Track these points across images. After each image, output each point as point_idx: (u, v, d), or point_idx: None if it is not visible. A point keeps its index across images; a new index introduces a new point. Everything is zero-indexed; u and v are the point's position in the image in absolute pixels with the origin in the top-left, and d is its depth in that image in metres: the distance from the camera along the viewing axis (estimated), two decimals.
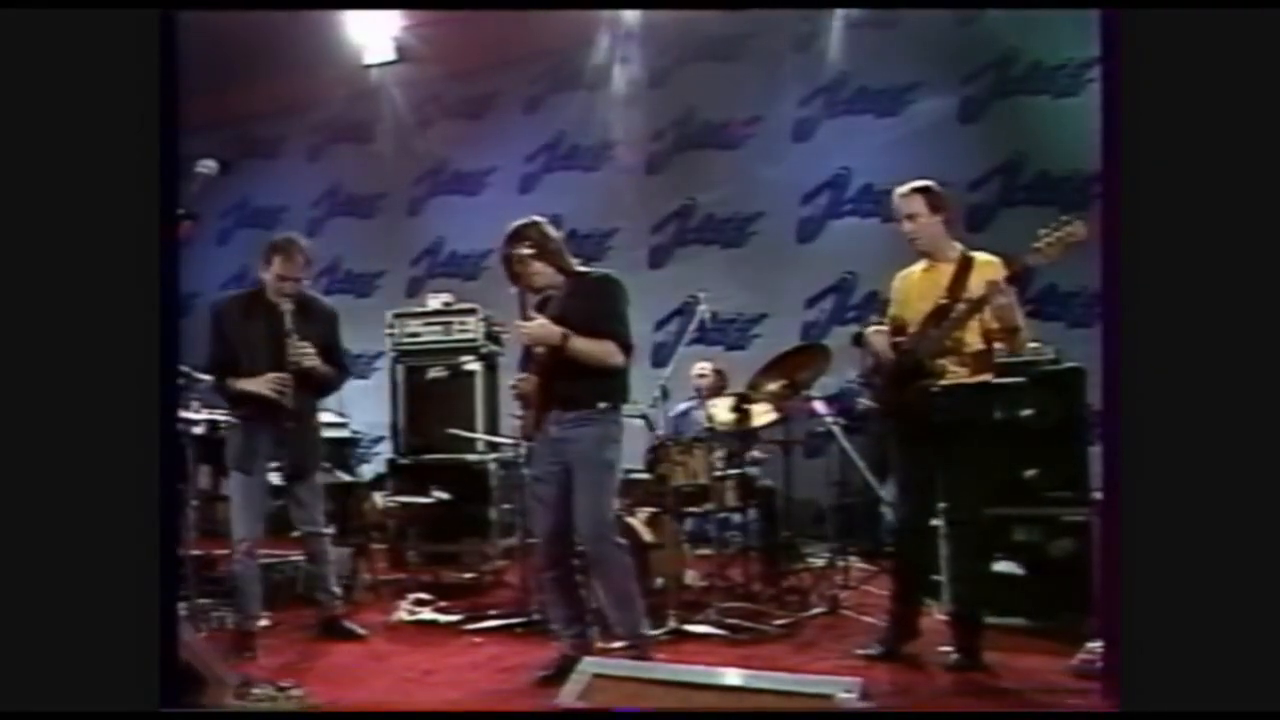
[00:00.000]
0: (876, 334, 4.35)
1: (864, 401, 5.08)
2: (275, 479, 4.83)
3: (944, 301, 4.09)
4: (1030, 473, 4.92)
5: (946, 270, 4.15)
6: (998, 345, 4.12)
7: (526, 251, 4.02)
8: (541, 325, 3.92)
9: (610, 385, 4.03)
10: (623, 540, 4.07)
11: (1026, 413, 4.95)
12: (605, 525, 3.97)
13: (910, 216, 4.21)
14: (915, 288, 4.30)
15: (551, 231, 4.15)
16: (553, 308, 4.01)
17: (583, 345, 3.90)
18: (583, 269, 4.17)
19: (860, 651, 4.36)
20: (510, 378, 7.34)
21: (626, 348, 4.02)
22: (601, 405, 3.98)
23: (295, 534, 4.93)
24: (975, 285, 4.01)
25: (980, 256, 4.13)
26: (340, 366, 4.92)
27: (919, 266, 4.33)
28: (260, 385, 4.56)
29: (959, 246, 4.23)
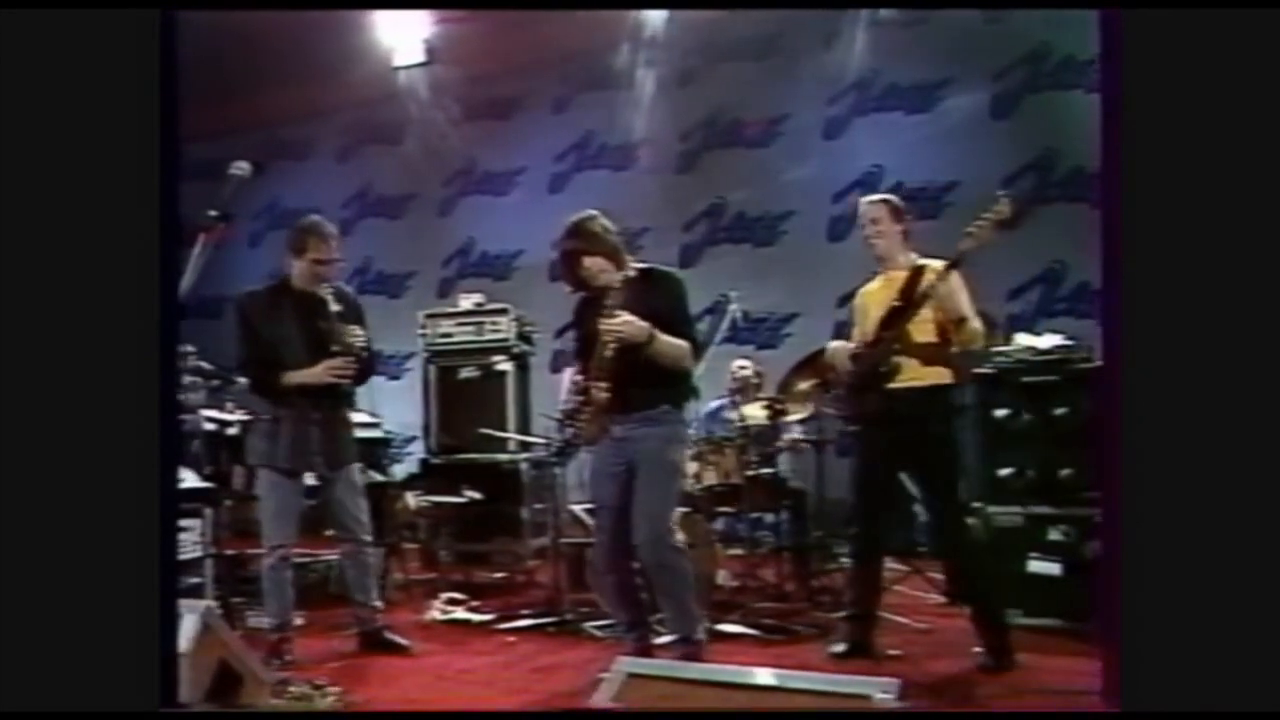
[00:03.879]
0: (837, 349, 4.52)
1: (830, 412, 5.17)
2: (310, 479, 4.74)
3: (897, 304, 4.21)
4: (1065, 472, 4.89)
5: (900, 278, 4.28)
6: (956, 342, 4.19)
7: (586, 247, 3.86)
8: (629, 321, 3.69)
9: (676, 388, 3.92)
10: (681, 545, 3.87)
11: (1060, 411, 4.92)
12: (665, 530, 3.79)
13: (874, 220, 4.38)
14: (873, 299, 4.46)
15: (610, 225, 3.95)
16: (614, 306, 3.76)
17: (665, 344, 3.76)
18: (642, 265, 3.99)
19: (832, 650, 4.39)
20: (542, 377, 7.53)
21: (697, 350, 3.95)
22: (664, 407, 3.86)
23: (328, 533, 4.90)
24: (922, 289, 4.13)
25: (932, 262, 4.22)
26: (372, 353, 4.79)
27: (877, 281, 4.49)
28: (318, 373, 4.45)
29: (913, 256, 4.35)
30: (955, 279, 4.08)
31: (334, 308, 4.52)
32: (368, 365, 4.71)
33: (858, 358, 4.37)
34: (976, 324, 4.18)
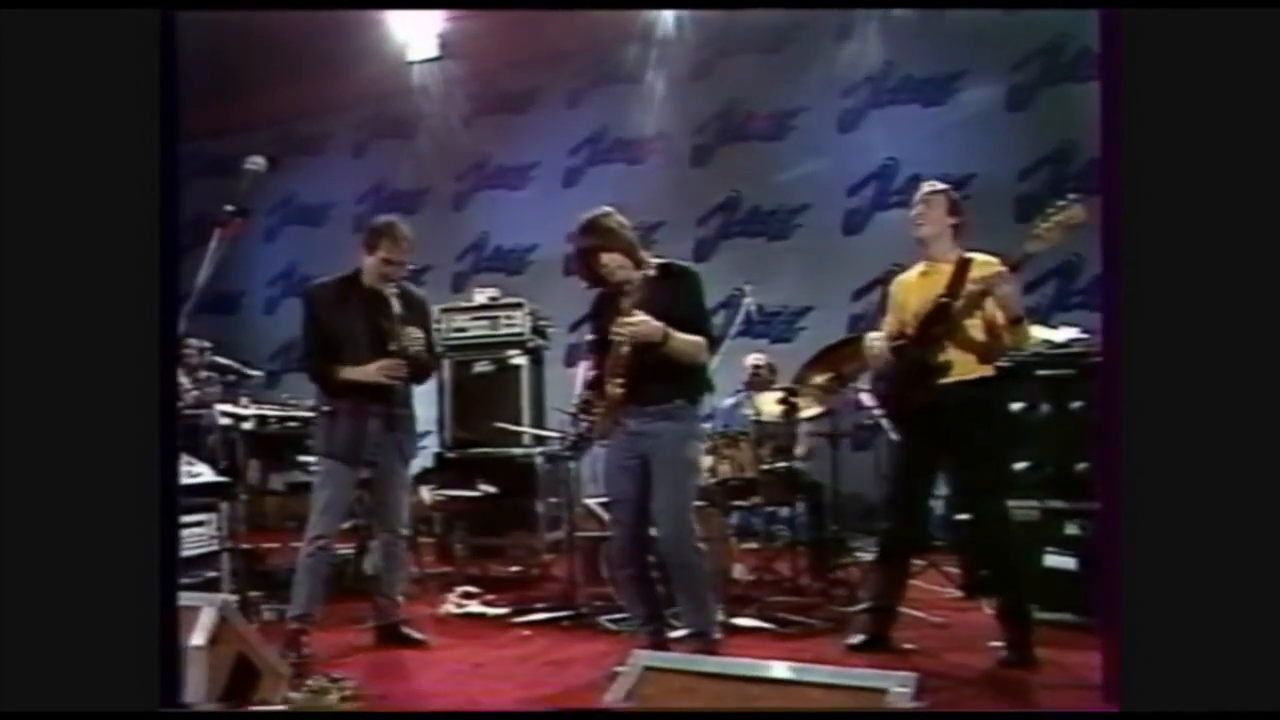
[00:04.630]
0: (874, 341, 4.38)
1: (871, 407, 5.12)
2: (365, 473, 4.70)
3: (944, 299, 4.12)
4: (1081, 466, 4.86)
5: (945, 270, 4.20)
6: (1007, 339, 4.11)
7: (602, 244, 3.84)
8: (644, 321, 3.70)
9: (691, 383, 3.90)
10: (702, 545, 3.88)
11: (1076, 405, 4.89)
12: (686, 528, 3.80)
13: (927, 205, 4.30)
14: (914, 290, 4.35)
15: (625, 221, 3.93)
16: (632, 302, 3.77)
17: (680, 343, 3.75)
18: (659, 260, 3.94)
19: (849, 642, 4.37)
20: (556, 371, 7.53)
21: (713, 344, 3.96)
22: (679, 402, 3.84)
23: (344, 525, 4.90)
24: (974, 283, 4.04)
25: (979, 257, 4.16)
26: (434, 355, 4.80)
27: (916, 271, 4.40)
28: (371, 372, 4.46)
29: (959, 250, 4.26)
30: (1014, 278, 3.96)
31: (396, 309, 4.52)
32: (426, 366, 4.72)
33: (901, 351, 4.27)
34: (1029, 325, 4.13)
